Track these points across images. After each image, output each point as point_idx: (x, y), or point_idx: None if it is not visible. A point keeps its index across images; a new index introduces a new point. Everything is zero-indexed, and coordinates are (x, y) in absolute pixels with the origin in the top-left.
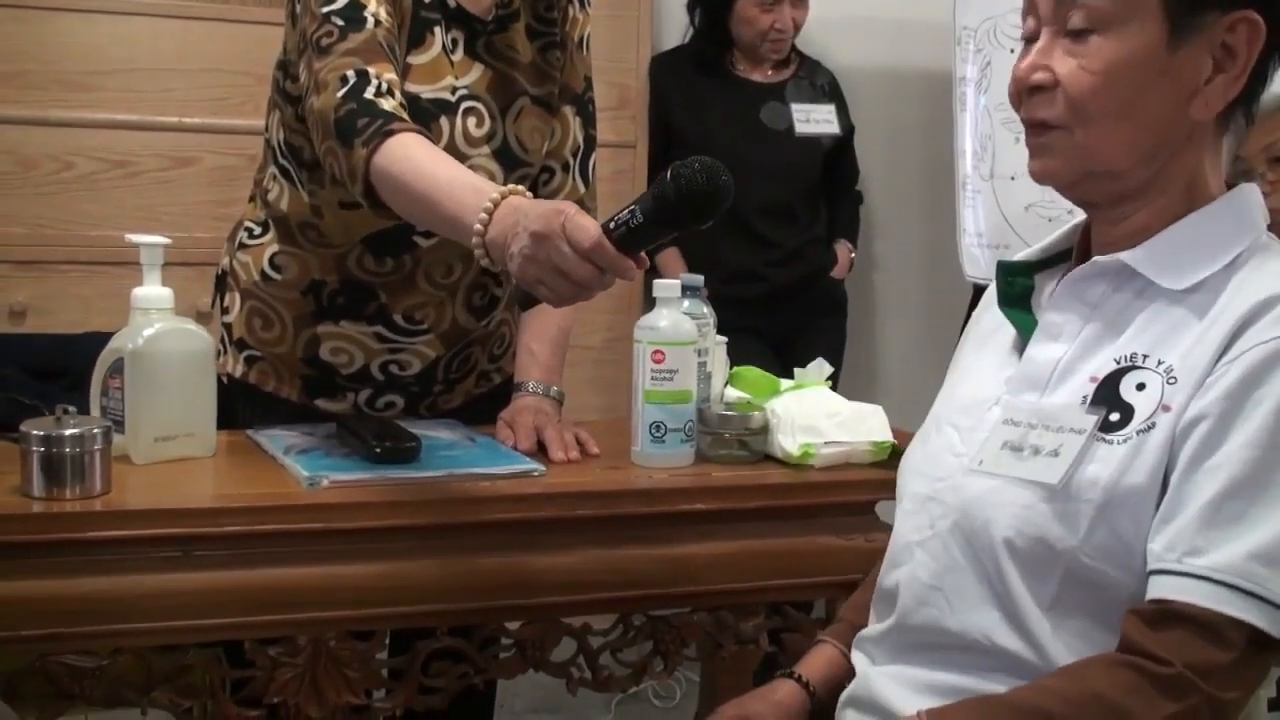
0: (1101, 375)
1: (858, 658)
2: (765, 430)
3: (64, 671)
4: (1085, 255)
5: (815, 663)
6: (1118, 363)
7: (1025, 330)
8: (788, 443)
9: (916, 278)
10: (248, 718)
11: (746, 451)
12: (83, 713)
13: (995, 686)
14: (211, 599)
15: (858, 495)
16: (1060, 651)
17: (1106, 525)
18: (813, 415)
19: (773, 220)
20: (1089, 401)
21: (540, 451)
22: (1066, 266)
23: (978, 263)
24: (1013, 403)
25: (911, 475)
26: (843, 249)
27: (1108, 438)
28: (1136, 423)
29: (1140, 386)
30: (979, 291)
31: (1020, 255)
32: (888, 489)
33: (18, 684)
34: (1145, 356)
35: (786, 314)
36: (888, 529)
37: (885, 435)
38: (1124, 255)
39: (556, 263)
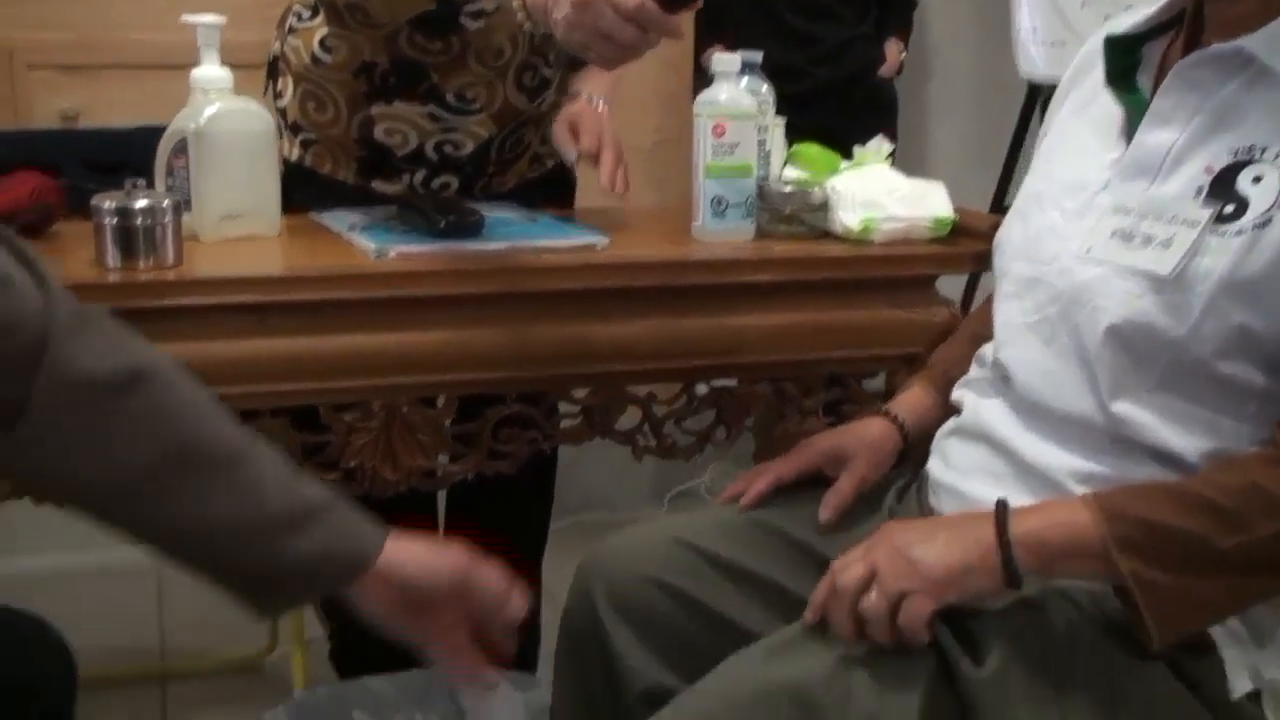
0: (1218, 167)
1: (965, 394)
2: (825, 206)
3: None
4: (1195, 35)
5: (906, 402)
6: (1234, 155)
7: (1134, 111)
8: (848, 217)
9: (969, 77)
10: (327, 479)
11: (806, 227)
12: None
13: (1102, 469)
14: (287, 365)
15: (918, 269)
16: (1166, 436)
17: (1217, 317)
18: (873, 191)
19: (810, 17)
20: (1204, 194)
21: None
22: (1173, 36)
23: (1033, 61)
24: (1122, 189)
25: (1013, 256)
26: (893, 47)
27: (1221, 230)
28: (1252, 216)
29: (1257, 179)
30: (1034, 91)
31: (1125, 27)
32: (949, 264)
33: None
34: (1264, 150)
35: (832, 113)
36: (948, 303)
37: (946, 211)
38: (1242, 41)
39: (601, 27)
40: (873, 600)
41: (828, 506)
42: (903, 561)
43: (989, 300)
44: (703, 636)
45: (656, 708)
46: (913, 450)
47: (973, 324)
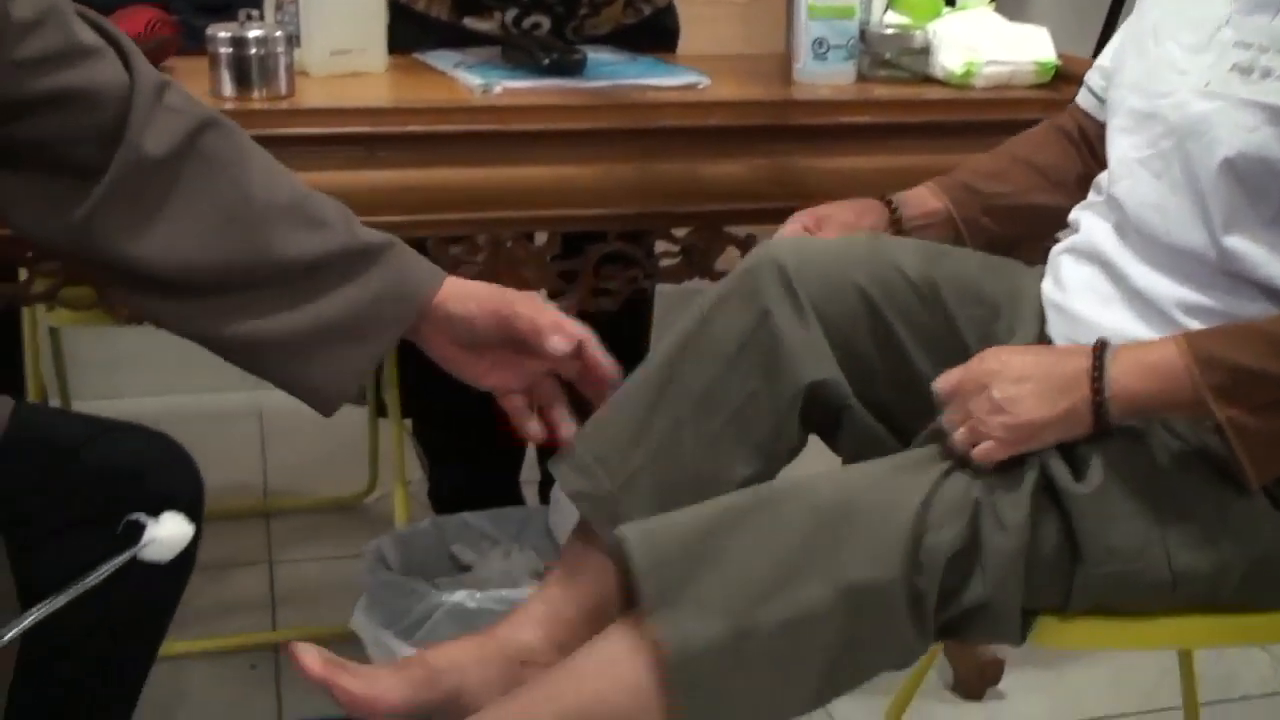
0: None
1: (1082, 215)
2: (927, 50)
3: None
4: None
5: (912, 198)
6: None
7: None
8: (950, 61)
9: None
10: None
11: (907, 72)
12: None
13: (1210, 302)
14: (395, 197)
15: (1020, 114)
16: (1277, 272)
17: None
18: (976, 34)
19: None
20: None
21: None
22: None
23: None
24: (1244, 23)
25: (1128, 91)
26: None
27: None
28: None
29: None
30: None
31: None
32: (1051, 109)
33: None
34: None
35: None
36: None
37: (1049, 55)
38: None
39: None
40: (957, 436)
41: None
42: (988, 408)
43: (1043, 125)
44: (878, 358)
45: (817, 405)
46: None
47: (1017, 145)
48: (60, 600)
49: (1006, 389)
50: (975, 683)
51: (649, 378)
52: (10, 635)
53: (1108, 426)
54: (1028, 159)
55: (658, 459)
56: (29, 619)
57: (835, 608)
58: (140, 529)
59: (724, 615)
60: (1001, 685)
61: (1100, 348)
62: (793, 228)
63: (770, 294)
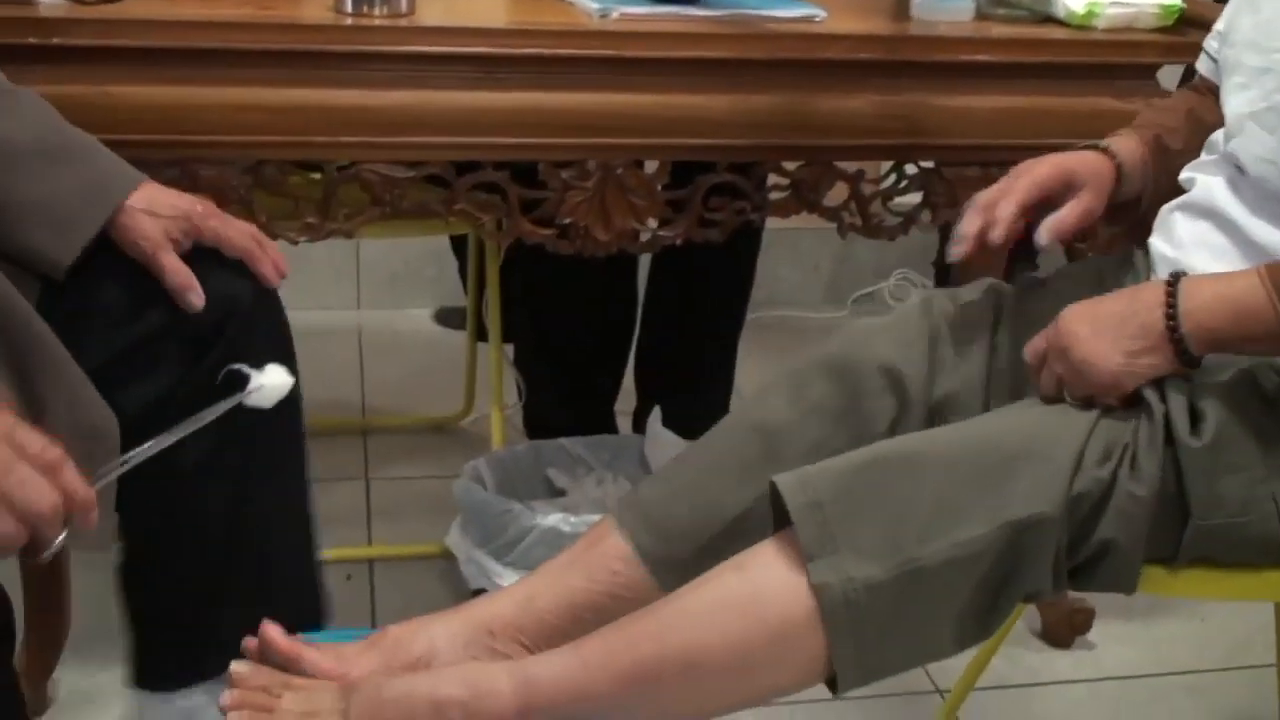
0: None
1: (1194, 174)
2: None
3: (377, 180)
4: None
5: (1123, 144)
6: None
7: None
8: (1072, 0)
9: None
10: (541, 235)
11: (1027, 11)
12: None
13: None
14: (510, 119)
15: (1141, 58)
16: None
17: None
18: None
19: None
20: None
21: None
22: None
23: None
24: None
25: (1244, 48)
26: None
27: None
28: None
29: None
30: None
31: None
32: (1174, 53)
33: (338, 192)
34: None
35: None
36: (1169, 94)
37: None
38: None
39: None
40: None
41: (1048, 230)
42: (1072, 369)
43: (1181, 92)
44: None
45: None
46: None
47: (1190, 98)
48: (173, 436)
49: (1083, 348)
50: (1064, 631)
51: (742, 439)
52: (117, 472)
53: (1193, 361)
54: (1201, 112)
55: (736, 533)
56: (141, 453)
57: (994, 544)
58: (244, 378)
59: (885, 556)
60: (1090, 635)
61: (1174, 281)
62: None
63: (866, 381)
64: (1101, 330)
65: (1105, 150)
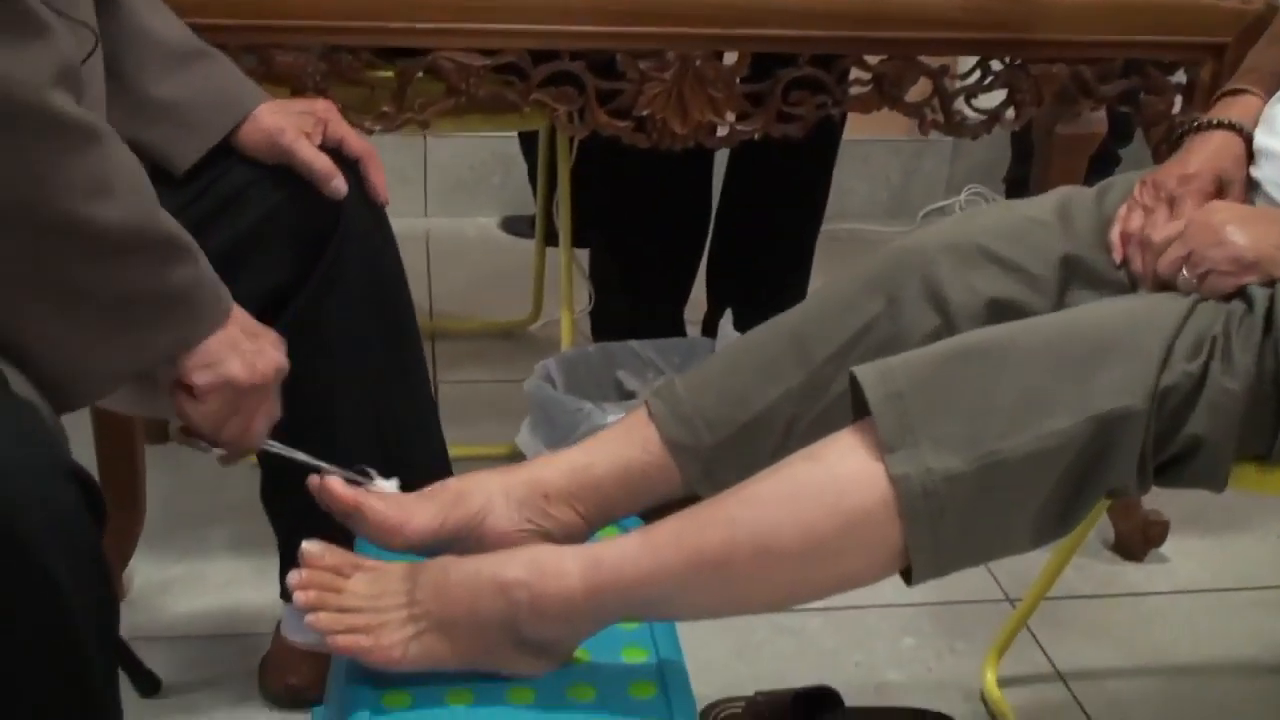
0: None
1: None
2: None
3: (453, 69)
4: None
5: (1246, 113)
6: None
7: None
8: None
9: None
10: (617, 127)
11: None
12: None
13: None
14: (588, 7)
15: None
16: None
17: None
18: None
19: None
20: None
21: None
22: None
23: None
24: None
25: None
26: None
27: None
28: None
29: None
30: None
31: None
32: None
33: (413, 84)
34: None
35: None
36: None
37: None
38: None
39: None
40: (1182, 278)
41: None
42: (1214, 240)
43: None
44: None
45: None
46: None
47: None
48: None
49: (1233, 227)
50: (1137, 543)
51: (774, 338)
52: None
53: None
54: None
55: (758, 429)
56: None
57: (1079, 437)
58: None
59: (966, 448)
60: (1163, 548)
61: None
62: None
63: (904, 280)
64: (1246, 217)
65: (1237, 129)
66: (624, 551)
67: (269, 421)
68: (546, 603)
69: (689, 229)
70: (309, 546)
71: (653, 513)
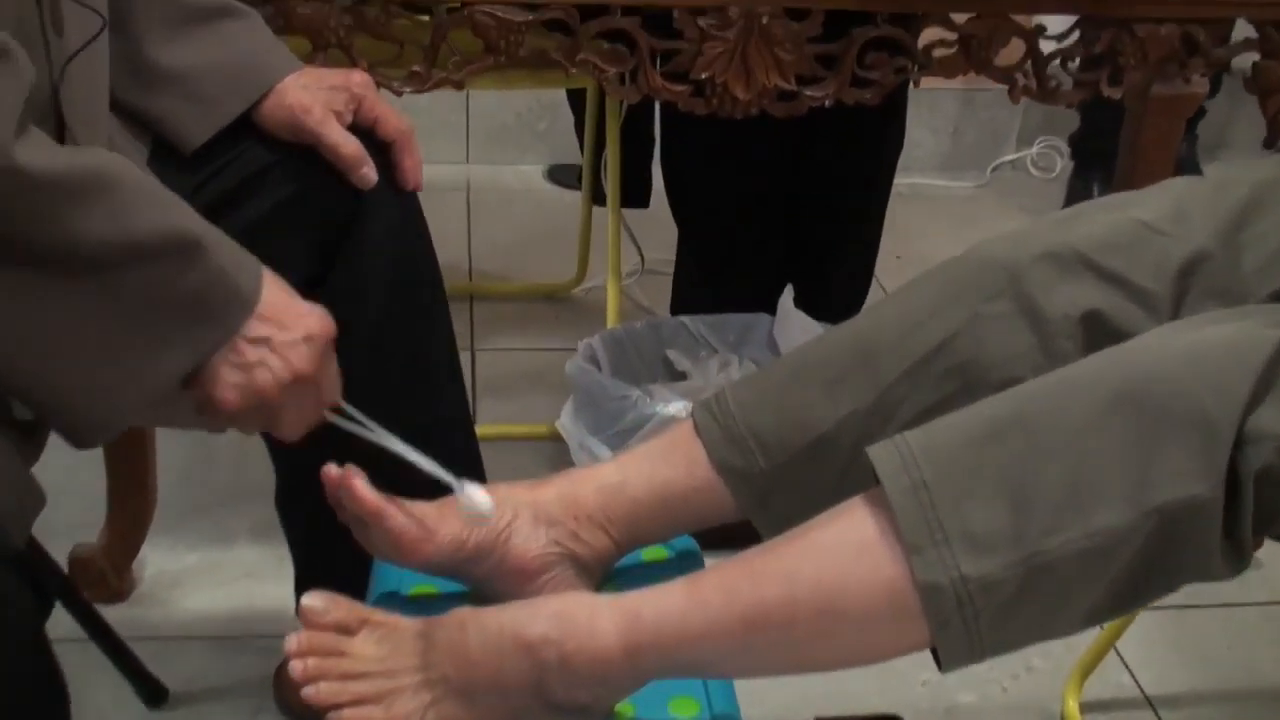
0: None
1: None
2: None
3: (493, 24)
4: None
5: None
6: None
7: None
8: None
9: None
10: (672, 92)
11: None
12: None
13: None
14: None
15: None
16: None
17: None
18: None
19: None
20: None
21: None
22: None
23: None
24: None
25: None
26: None
27: None
28: None
29: None
30: None
31: None
32: None
33: (448, 37)
34: None
35: None
36: None
37: None
38: None
39: None
40: None
41: None
42: None
43: None
44: None
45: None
46: None
47: None
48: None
49: None
50: None
51: (840, 351)
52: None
53: None
54: None
55: (821, 453)
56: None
57: (1138, 533)
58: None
59: (1004, 550)
60: (1259, 553)
61: None
62: None
63: (990, 290)
64: None
65: None
66: (667, 606)
67: (332, 391)
68: (579, 663)
69: (761, 191)
70: (309, 602)
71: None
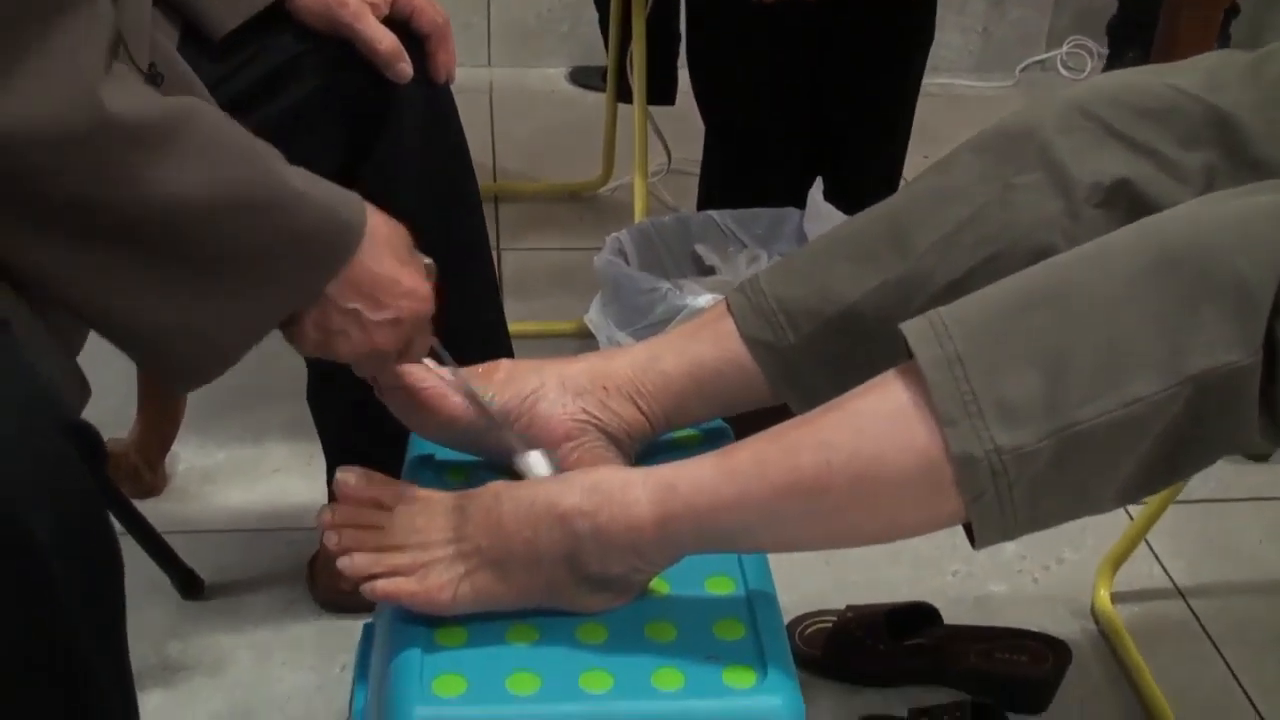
0: None
1: None
2: None
3: None
4: None
5: None
6: None
7: None
8: None
9: None
10: None
11: None
12: None
13: None
14: None
15: None
16: None
17: None
18: None
19: None
20: None
21: None
22: None
23: None
24: None
25: None
26: None
27: None
28: None
29: None
30: None
31: None
32: None
33: None
34: None
35: None
36: None
37: None
38: None
39: None
40: None
41: None
42: None
43: None
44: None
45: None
46: None
47: None
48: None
49: None
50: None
51: (870, 225)
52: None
53: None
54: None
55: (849, 325)
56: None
57: (1173, 402)
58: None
59: (1038, 420)
60: None
61: None
62: None
63: (1020, 162)
64: None
65: None
66: (700, 476)
67: (417, 357)
68: (612, 533)
69: (793, 83)
70: (344, 476)
71: (737, 420)
